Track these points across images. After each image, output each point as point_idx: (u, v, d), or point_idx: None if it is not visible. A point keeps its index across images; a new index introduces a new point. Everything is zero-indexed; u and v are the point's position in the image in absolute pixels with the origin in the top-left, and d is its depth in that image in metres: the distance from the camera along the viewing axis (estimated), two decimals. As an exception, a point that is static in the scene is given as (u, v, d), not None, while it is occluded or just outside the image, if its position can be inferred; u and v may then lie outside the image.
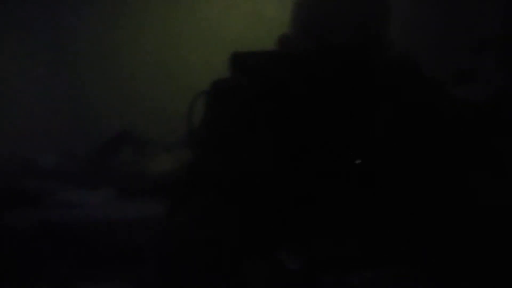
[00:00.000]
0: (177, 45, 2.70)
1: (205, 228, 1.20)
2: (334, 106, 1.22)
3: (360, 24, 1.21)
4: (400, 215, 1.20)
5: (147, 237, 1.86)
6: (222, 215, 1.20)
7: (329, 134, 1.22)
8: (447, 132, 1.24)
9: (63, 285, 1.85)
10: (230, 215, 1.20)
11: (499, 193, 1.20)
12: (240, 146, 1.22)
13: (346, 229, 1.20)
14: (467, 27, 2.27)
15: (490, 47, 2.17)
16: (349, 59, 1.20)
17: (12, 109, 2.62)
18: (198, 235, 1.19)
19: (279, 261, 1.18)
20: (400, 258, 1.18)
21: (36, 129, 2.65)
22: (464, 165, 1.22)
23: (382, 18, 1.26)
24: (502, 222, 1.19)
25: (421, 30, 2.32)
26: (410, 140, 1.23)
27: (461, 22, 2.30)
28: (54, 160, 2.53)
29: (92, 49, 2.73)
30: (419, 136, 1.23)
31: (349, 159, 1.21)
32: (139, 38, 2.73)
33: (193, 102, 1.51)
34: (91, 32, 2.74)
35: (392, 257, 1.18)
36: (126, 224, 2.03)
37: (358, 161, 1.20)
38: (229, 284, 1.17)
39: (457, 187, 1.20)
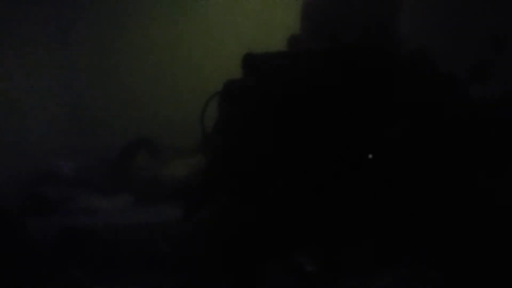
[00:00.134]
0: (190, 49, 2.71)
1: (222, 231, 1.20)
2: (347, 106, 1.21)
3: (370, 23, 1.20)
4: (418, 215, 1.19)
5: (165, 241, 1.87)
6: (238, 218, 1.20)
7: (344, 134, 1.21)
8: (461, 131, 1.23)
9: (83, 290, 1.87)
10: (246, 217, 1.20)
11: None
12: (253, 147, 1.22)
13: (363, 230, 1.19)
14: (482, 24, 2.25)
15: (506, 44, 2.15)
16: (360, 58, 1.19)
17: (32, 118, 2.64)
18: (215, 238, 1.19)
19: (298, 264, 1.17)
20: (418, 259, 1.17)
21: (55, 138, 2.68)
22: (478, 165, 1.21)
23: (392, 15, 1.25)
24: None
25: (436, 27, 2.31)
26: (424, 139, 1.21)
27: (477, 18, 2.28)
28: (73, 168, 2.55)
29: (108, 57, 2.75)
30: (433, 135, 1.22)
31: (365, 159, 1.20)
32: (152, 44, 2.74)
33: (205, 104, 1.50)
34: (106, 39, 2.76)
35: (410, 257, 1.17)
36: (144, 229, 2.04)
37: (370, 156, 1.19)
38: (247, 287, 1.17)
39: (474, 187, 1.19)
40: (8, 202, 2.20)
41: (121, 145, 2.59)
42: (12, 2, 2.55)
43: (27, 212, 2.21)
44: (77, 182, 2.46)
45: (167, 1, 2.74)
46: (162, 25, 2.73)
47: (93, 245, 2.01)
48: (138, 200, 2.32)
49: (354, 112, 1.21)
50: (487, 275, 1.16)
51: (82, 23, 2.76)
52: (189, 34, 2.73)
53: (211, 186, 1.24)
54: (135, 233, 2.02)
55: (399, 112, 1.21)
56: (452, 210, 1.18)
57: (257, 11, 2.65)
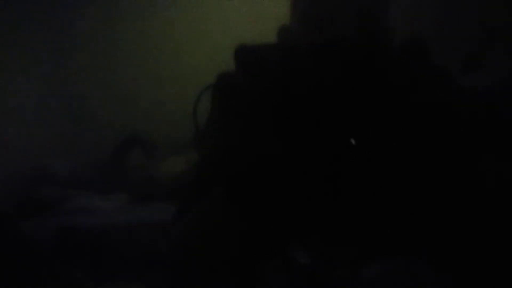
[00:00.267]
0: (182, 45, 2.71)
1: (215, 228, 1.20)
2: (342, 99, 1.21)
3: (361, 14, 1.19)
4: (412, 208, 1.19)
5: (160, 240, 1.86)
6: (231, 214, 1.20)
7: (337, 128, 1.21)
8: (456, 123, 1.23)
9: (80, 290, 1.86)
10: (240, 213, 1.20)
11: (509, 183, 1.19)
12: (246, 141, 1.22)
13: (355, 223, 1.19)
14: (474, 14, 2.25)
15: (498, 34, 2.15)
16: (354, 51, 1.19)
17: (26, 118, 2.63)
18: (208, 236, 1.19)
19: (291, 257, 1.17)
20: (411, 251, 1.17)
21: (49, 138, 2.67)
22: (473, 156, 1.21)
23: (384, 6, 1.24)
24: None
25: (428, 17, 2.30)
26: (419, 132, 1.21)
27: (469, 8, 2.28)
28: (68, 168, 2.55)
29: (100, 56, 2.75)
30: (428, 127, 1.22)
31: (359, 153, 1.20)
32: (144, 41, 2.74)
33: (198, 97, 1.49)
34: (99, 38, 2.75)
35: (403, 249, 1.17)
36: (139, 228, 2.03)
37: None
38: (241, 283, 1.17)
39: (469, 179, 1.19)
40: (3, 203, 2.19)
41: (115, 144, 2.58)
42: (9, 1, 2.55)
43: (23, 213, 2.20)
44: (72, 182, 2.46)
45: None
46: (154, 21, 2.73)
47: (90, 244, 2.00)
48: (133, 198, 2.32)
49: (349, 106, 1.20)
50: (483, 271, 1.16)
51: (76, 23, 2.76)
52: (181, 29, 2.72)
53: (205, 182, 1.24)
54: (132, 232, 2.01)
55: (394, 104, 1.21)
56: (445, 205, 1.18)
57: (249, 3, 2.64)
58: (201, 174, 1.28)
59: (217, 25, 2.67)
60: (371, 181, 1.19)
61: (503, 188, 1.18)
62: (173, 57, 2.71)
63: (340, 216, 1.19)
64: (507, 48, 2.11)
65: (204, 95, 1.41)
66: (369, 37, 1.20)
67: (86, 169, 2.55)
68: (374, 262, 1.16)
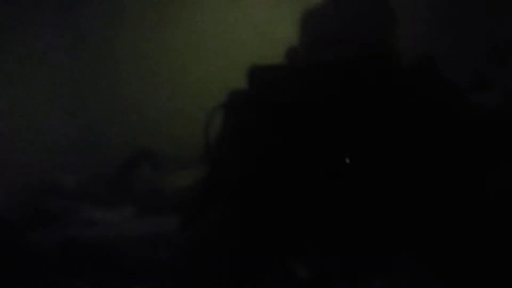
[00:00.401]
0: (193, 61, 2.72)
1: (221, 240, 1.20)
2: (352, 118, 1.22)
3: (369, 34, 1.21)
4: (416, 225, 1.19)
5: (166, 253, 1.87)
6: (237, 227, 1.20)
7: (348, 146, 1.21)
8: (462, 137, 1.23)
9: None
10: (245, 226, 1.21)
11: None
12: (256, 159, 1.23)
13: (356, 236, 1.19)
14: (484, 33, 2.26)
15: (509, 51, 2.15)
16: (364, 71, 1.20)
17: (33, 131, 2.64)
18: (211, 248, 1.20)
19: (291, 270, 1.17)
20: (413, 266, 1.17)
21: (57, 150, 2.68)
22: (481, 169, 1.21)
23: (390, 24, 1.25)
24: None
25: (437, 36, 2.31)
26: (429, 148, 1.22)
27: (478, 27, 2.29)
28: (75, 180, 2.55)
29: (109, 69, 2.76)
30: (435, 142, 1.22)
31: (368, 170, 1.20)
32: (155, 56, 2.75)
33: (210, 115, 1.50)
34: (107, 51, 2.76)
35: (404, 264, 1.18)
36: (147, 240, 2.04)
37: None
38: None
39: (475, 192, 1.19)
40: (11, 214, 2.20)
41: (123, 156, 2.59)
42: (15, 10, 2.57)
43: (30, 224, 2.21)
44: (80, 194, 2.46)
45: (169, 13, 2.75)
46: (165, 37, 2.74)
47: (96, 256, 2.01)
48: (140, 211, 2.32)
49: (359, 125, 1.21)
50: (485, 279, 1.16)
51: (84, 37, 2.77)
52: (193, 45, 2.73)
53: (212, 196, 1.25)
54: (138, 245, 2.02)
55: (403, 123, 1.21)
56: (449, 215, 1.18)
57: (260, 23, 2.66)
58: (207, 188, 1.28)
59: (230, 43, 2.68)
60: (375, 197, 1.19)
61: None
62: (183, 73, 2.72)
63: (341, 230, 1.19)
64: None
65: (216, 112, 1.42)
66: (377, 58, 1.21)
67: (93, 181, 2.55)
68: (373, 277, 1.16)
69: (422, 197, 1.19)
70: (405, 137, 1.21)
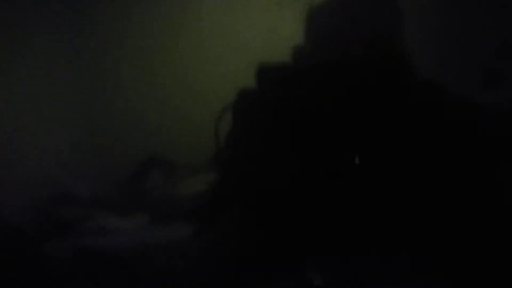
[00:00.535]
0: (201, 65, 2.72)
1: (233, 246, 1.20)
2: (361, 118, 1.21)
3: (375, 34, 1.20)
4: (430, 230, 1.18)
5: (180, 260, 1.86)
6: (251, 233, 1.20)
7: (356, 146, 1.21)
8: (474, 136, 1.22)
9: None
10: (259, 232, 1.20)
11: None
12: (267, 159, 1.22)
13: (371, 244, 1.18)
14: (492, 29, 2.24)
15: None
16: (371, 71, 1.20)
17: (47, 140, 2.66)
18: (225, 254, 1.19)
19: (306, 278, 1.17)
20: (426, 273, 1.16)
21: (70, 159, 2.69)
22: (489, 169, 1.20)
23: (396, 25, 1.25)
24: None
25: (445, 35, 2.30)
26: (436, 148, 1.21)
27: (487, 23, 2.27)
28: (87, 188, 2.56)
29: (120, 77, 2.77)
30: (445, 142, 1.21)
31: (379, 174, 1.20)
32: (164, 61, 2.75)
33: (220, 114, 1.50)
34: (117, 59, 2.77)
35: (419, 272, 1.17)
36: (159, 248, 2.04)
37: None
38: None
39: (483, 192, 1.18)
40: (24, 223, 2.21)
41: (135, 164, 2.60)
42: (26, 20, 2.59)
43: (43, 232, 2.21)
44: (93, 203, 2.47)
45: (176, 16, 2.75)
46: (174, 41, 2.75)
47: (109, 264, 2.01)
48: (153, 219, 2.32)
49: (366, 124, 1.20)
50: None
51: (94, 47, 2.79)
52: (201, 48, 2.74)
53: (224, 200, 1.24)
54: (152, 252, 2.02)
55: (409, 122, 1.20)
56: (462, 226, 1.17)
57: (266, 23, 2.65)
58: (220, 192, 1.28)
59: (236, 43, 2.68)
60: (388, 203, 1.19)
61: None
62: (191, 78, 2.72)
63: (355, 238, 1.18)
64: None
65: (225, 112, 1.42)
66: (384, 56, 1.20)
67: (106, 189, 2.56)
68: (387, 284, 1.15)
69: (434, 202, 1.18)
70: (412, 136, 1.20)
